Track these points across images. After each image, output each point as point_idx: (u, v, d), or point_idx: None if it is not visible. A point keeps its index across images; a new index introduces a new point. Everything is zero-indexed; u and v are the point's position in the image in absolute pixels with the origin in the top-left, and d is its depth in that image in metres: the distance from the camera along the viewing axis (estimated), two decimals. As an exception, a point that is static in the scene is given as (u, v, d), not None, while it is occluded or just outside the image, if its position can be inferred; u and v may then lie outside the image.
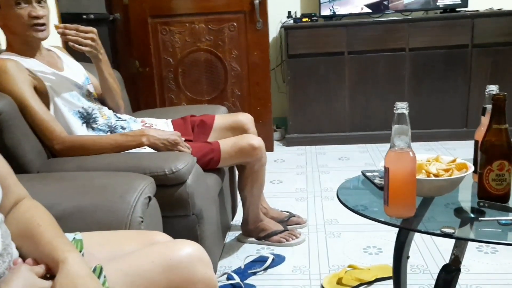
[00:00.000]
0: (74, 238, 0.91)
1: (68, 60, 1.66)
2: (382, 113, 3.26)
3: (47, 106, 1.46)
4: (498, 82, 3.30)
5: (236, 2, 3.04)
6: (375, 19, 3.28)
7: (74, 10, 2.64)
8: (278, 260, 1.83)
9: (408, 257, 1.31)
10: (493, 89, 1.08)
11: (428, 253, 1.80)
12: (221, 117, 1.93)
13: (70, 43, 1.49)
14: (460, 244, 1.05)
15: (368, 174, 1.26)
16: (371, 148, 3.22)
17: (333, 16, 3.32)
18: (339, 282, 1.63)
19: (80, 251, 0.88)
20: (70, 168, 1.32)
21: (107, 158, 1.36)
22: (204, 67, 3.23)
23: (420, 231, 0.96)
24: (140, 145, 1.45)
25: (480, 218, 0.96)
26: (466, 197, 1.15)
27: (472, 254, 1.77)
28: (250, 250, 1.92)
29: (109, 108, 1.72)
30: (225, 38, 3.15)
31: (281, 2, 3.48)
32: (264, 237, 1.96)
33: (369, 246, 1.89)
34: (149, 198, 1.12)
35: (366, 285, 1.63)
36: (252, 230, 1.97)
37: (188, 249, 0.81)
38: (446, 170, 1.07)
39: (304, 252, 1.89)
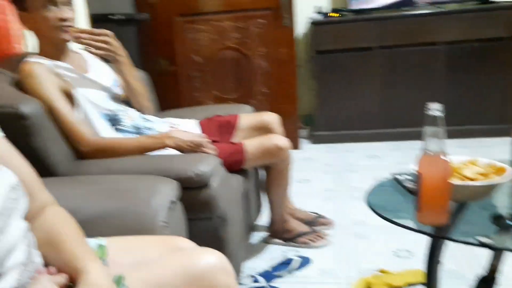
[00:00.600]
0: (98, 244, 0.90)
1: (96, 63, 1.67)
2: (414, 109, 3.13)
3: (74, 108, 1.47)
4: (536, 76, 3.13)
5: (262, -2, 3.01)
6: (406, 13, 3.18)
7: (103, 11, 2.66)
8: (304, 262, 1.79)
9: (440, 263, 1.25)
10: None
11: (463, 257, 1.73)
12: (246, 117, 1.91)
13: (85, 47, 1.49)
14: (498, 253, 0.99)
15: (399, 177, 1.21)
16: (403, 146, 3.12)
17: (362, 10, 3.24)
18: (368, 287, 1.58)
19: (104, 257, 0.87)
20: (96, 171, 1.32)
21: (133, 161, 1.36)
22: (230, 65, 3.21)
23: (455, 240, 0.91)
24: (165, 147, 1.44)
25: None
26: (504, 202, 1.09)
27: None
28: (276, 252, 1.90)
29: (136, 109, 1.72)
30: (251, 36, 3.12)
31: (309, -3, 3.42)
32: (290, 238, 1.93)
33: (400, 249, 1.83)
34: (173, 202, 1.10)
35: (396, 290, 1.58)
36: (278, 231, 1.94)
37: (210, 258, 0.79)
38: (483, 175, 1.02)
39: (331, 254, 1.85)
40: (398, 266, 1.71)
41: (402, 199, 1.12)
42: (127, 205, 1.05)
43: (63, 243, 0.75)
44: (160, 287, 0.74)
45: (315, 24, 3.16)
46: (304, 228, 1.96)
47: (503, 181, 0.98)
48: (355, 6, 3.22)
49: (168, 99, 3.18)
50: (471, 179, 1.01)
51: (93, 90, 1.54)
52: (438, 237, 0.93)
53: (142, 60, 3.09)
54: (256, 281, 1.66)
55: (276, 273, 1.72)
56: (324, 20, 3.17)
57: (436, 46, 3.06)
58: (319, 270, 1.74)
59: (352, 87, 3.22)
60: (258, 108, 3.13)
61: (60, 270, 0.76)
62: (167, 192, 1.10)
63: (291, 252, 1.88)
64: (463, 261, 1.70)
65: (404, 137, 3.19)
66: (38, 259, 0.75)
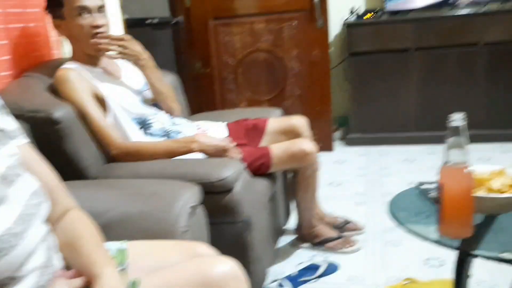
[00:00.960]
0: (119, 248, 0.93)
1: (127, 68, 1.71)
2: (452, 112, 3.05)
3: (106, 113, 1.52)
4: None
5: (297, 0, 3.00)
6: (444, 14, 3.08)
7: (139, 15, 2.74)
8: (332, 268, 1.78)
9: (469, 276, 1.21)
10: None
11: (497, 268, 1.66)
12: (275, 121, 1.91)
13: (105, 52, 1.55)
14: (525, 270, 0.94)
15: (424, 186, 1.18)
16: (439, 150, 3.02)
17: (399, 11, 3.16)
18: (395, 295, 1.55)
19: (124, 261, 0.90)
20: (124, 174, 1.36)
21: (159, 165, 1.39)
22: (263, 67, 3.22)
23: (475, 255, 0.88)
24: (191, 151, 1.47)
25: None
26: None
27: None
28: (304, 256, 1.89)
29: (165, 112, 1.76)
30: (284, 38, 3.12)
31: (344, -1, 3.38)
32: (318, 243, 1.92)
33: (431, 258, 1.78)
34: (195, 207, 1.12)
35: (424, 301, 1.54)
36: (306, 236, 1.93)
37: (223, 266, 0.81)
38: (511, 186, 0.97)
39: (359, 261, 1.82)
40: (428, 275, 1.66)
41: (425, 209, 1.09)
42: (149, 209, 1.08)
43: (82, 247, 0.78)
44: (173, 293, 0.76)
45: (349, 25, 3.11)
46: (332, 233, 1.94)
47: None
48: (391, 7, 3.15)
49: (203, 102, 3.25)
50: (498, 191, 0.97)
51: (125, 94, 1.58)
52: (459, 250, 0.90)
53: (177, 63, 3.15)
54: (281, 285, 1.66)
55: (302, 279, 1.71)
56: (359, 22, 3.13)
57: (476, 47, 2.95)
58: (346, 277, 1.72)
59: (387, 89, 3.16)
60: (291, 110, 3.14)
61: (79, 273, 0.79)
62: (188, 197, 1.12)
63: (318, 257, 1.87)
64: (495, 272, 1.63)
65: (441, 141, 3.06)
66: (57, 262, 0.78)
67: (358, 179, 2.69)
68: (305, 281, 1.71)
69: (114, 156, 1.45)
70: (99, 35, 1.51)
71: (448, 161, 0.90)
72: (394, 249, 1.88)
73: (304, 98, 3.22)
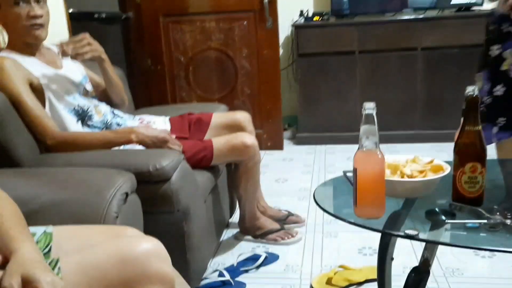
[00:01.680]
0: (44, 231, 0.94)
1: (67, 58, 1.70)
2: (394, 113, 3.21)
3: (43, 103, 1.51)
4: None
5: (246, 1, 3.06)
6: (388, 18, 3.23)
7: (85, 9, 2.70)
8: (272, 258, 1.83)
9: (392, 259, 1.29)
10: (472, 89, 1.04)
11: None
12: (219, 115, 1.95)
13: (72, 59, 1.55)
14: (430, 246, 1.03)
15: (349, 174, 1.25)
16: (383, 148, 3.16)
17: (345, 15, 3.29)
18: (328, 282, 1.62)
19: (49, 244, 0.91)
20: (59, 163, 1.36)
21: (94, 154, 1.40)
22: (214, 66, 3.26)
23: (382, 232, 0.95)
24: (129, 141, 1.48)
25: (447, 221, 0.95)
26: (447, 199, 1.13)
27: (469, 257, 1.73)
28: (246, 248, 1.93)
29: (114, 104, 1.77)
30: (235, 37, 3.17)
31: (293, 1, 3.47)
32: (260, 235, 1.97)
33: (365, 247, 1.87)
34: (126, 194, 1.14)
35: (355, 286, 1.62)
36: (249, 228, 1.98)
37: (145, 244, 0.83)
38: (421, 172, 1.06)
39: (298, 251, 1.89)
40: (361, 263, 1.75)
41: (349, 195, 1.16)
42: (80, 195, 1.09)
43: (0, 225, 0.79)
44: (93, 268, 0.78)
45: (297, 27, 3.21)
46: (274, 225, 2.00)
47: (436, 178, 1.02)
48: (338, 10, 3.28)
49: (154, 99, 3.25)
50: (410, 176, 1.05)
51: (63, 85, 1.58)
52: (368, 228, 0.97)
53: (127, 59, 3.14)
54: (221, 275, 1.70)
55: (242, 268, 1.76)
56: (307, 24, 3.23)
57: (415, 52, 3.11)
58: (284, 266, 1.79)
59: (333, 90, 3.27)
60: (242, 109, 3.18)
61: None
62: (120, 184, 1.13)
63: (260, 248, 1.92)
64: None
65: (384, 140, 3.22)
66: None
67: (304, 176, 2.77)
68: (244, 271, 1.75)
69: (50, 145, 1.45)
70: (36, 26, 1.49)
71: (361, 147, 0.97)
72: (332, 239, 1.97)
73: (254, 98, 3.28)
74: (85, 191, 1.11)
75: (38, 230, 0.94)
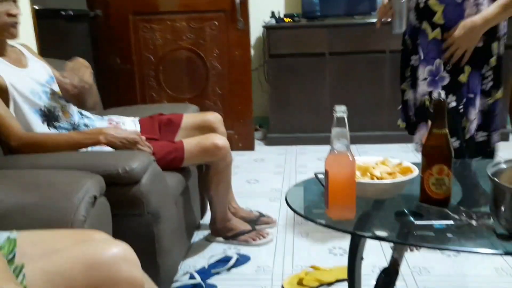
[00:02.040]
0: (8, 236, 0.91)
1: (32, 58, 1.66)
2: (363, 114, 3.26)
3: (7, 103, 1.46)
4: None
5: (218, 1, 3.04)
6: (357, 21, 3.29)
7: (51, 6, 2.63)
8: (243, 260, 1.83)
9: (362, 259, 1.31)
10: (439, 93, 1.07)
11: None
12: (190, 116, 1.94)
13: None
14: (399, 247, 1.05)
15: (320, 175, 1.26)
16: (352, 149, 3.21)
17: (316, 17, 3.33)
18: (299, 282, 1.63)
19: (13, 250, 0.88)
20: (24, 166, 1.32)
21: (61, 156, 1.36)
22: (185, 65, 3.23)
23: (352, 233, 0.97)
24: (97, 143, 1.45)
25: (415, 222, 0.97)
26: (415, 200, 1.16)
27: (436, 256, 1.78)
28: (217, 250, 1.93)
29: (87, 107, 1.73)
30: (206, 37, 3.15)
31: (264, 2, 3.48)
32: (231, 236, 1.97)
33: (335, 247, 1.90)
34: (95, 197, 1.12)
35: (326, 286, 1.64)
36: (220, 230, 1.98)
37: (114, 249, 0.82)
38: (390, 174, 1.08)
39: (270, 252, 1.90)
40: (332, 263, 1.77)
41: (320, 197, 1.17)
42: (46, 199, 1.06)
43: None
44: (59, 275, 0.76)
45: (268, 28, 3.22)
46: (246, 226, 2.00)
47: (405, 179, 1.04)
48: (309, 12, 3.31)
49: (123, 98, 3.18)
50: (379, 178, 1.07)
51: (28, 85, 1.53)
52: (337, 229, 0.98)
53: (95, 58, 3.06)
54: (192, 277, 1.68)
55: (213, 271, 1.75)
56: (278, 25, 3.24)
57: (384, 54, 3.18)
58: (256, 267, 1.79)
59: (304, 91, 3.30)
60: (213, 110, 3.17)
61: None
62: (89, 187, 1.11)
63: (231, 250, 1.92)
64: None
65: (354, 141, 3.28)
66: None
67: (275, 177, 2.78)
68: (216, 273, 1.74)
69: (14, 147, 1.40)
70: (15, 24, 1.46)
71: (333, 149, 0.98)
72: (303, 240, 1.98)
73: (225, 98, 3.27)
74: (52, 194, 1.07)
75: (1, 235, 0.91)
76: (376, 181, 1.05)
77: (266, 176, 2.79)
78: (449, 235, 0.93)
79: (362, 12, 3.33)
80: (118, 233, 1.21)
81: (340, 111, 0.97)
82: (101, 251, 0.80)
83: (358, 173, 1.09)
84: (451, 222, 0.94)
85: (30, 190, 1.09)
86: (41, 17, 2.36)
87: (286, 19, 3.27)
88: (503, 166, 1.01)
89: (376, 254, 1.80)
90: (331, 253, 1.86)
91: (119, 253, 0.81)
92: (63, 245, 0.88)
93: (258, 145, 3.45)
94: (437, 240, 0.91)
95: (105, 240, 0.92)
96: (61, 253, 0.80)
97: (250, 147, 3.33)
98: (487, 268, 1.68)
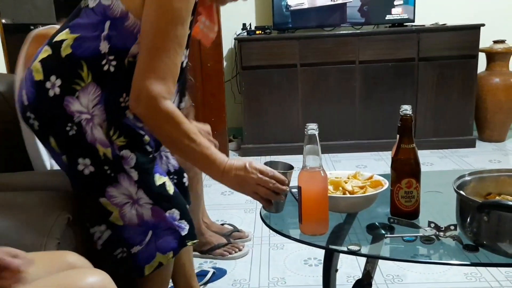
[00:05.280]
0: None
1: None
2: (335, 123, 3.32)
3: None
4: (443, 94, 3.43)
5: (189, 13, 3.05)
6: (327, 33, 3.36)
7: (20, 21, 2.59)
8: (219, 274, 1.83)
9: (336, 270, 1.33)
10: (406, 109, 1.10)
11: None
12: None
13: None
14: (371, 260, 1.08)
15: (293, 190, 1.28)
16: (325, 158, 3.27)
17: (287, 28, 3.38)
18: (276, 295, 1.64)
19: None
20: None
21: (35, 176, 1.34)
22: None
23: (327, 248, 0.99)
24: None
25: (386, 235, 1.00)
26: (386, 212, 1.19)
27: (408, 264, 1.82)
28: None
29: None
30: (178, 49, 3.14)
31: (236, 14, 3.51)
32: (207, 251, 1.97)
33: (310, 258, 1.92)
34: (69, 218, 1.10)
35: (302, 298, 1.65)
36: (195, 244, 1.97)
37: (93, 278, 0.81)
38: (361, 187, 1.11)
39: (246, 265, 1.91)
40: (307, 273, 1.79)
41: (294, 210, 1.19)
42: (18, 221, 1.04)
43: None
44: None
45: (240, 40, 3.25)
46: (221, 240, 2.00)
47: (375, 193, 1.07)
48: (280, 24, 3.36)
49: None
50: (351, 192, 1.10)
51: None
52: (313, 245, 1.00)
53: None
54: (168, 294, 1.67)
55: (190, 286, 1.74)
56: (249, 37, 3.27)
57: (353, 65, 3.25)
58: (232, 281, 1.79)
59: (276, 102, 3.34)
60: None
61: None
62: (62, 208, 1.09)
63: (207, 264, 1.92)
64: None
65: (327, 150, 3.34)
66: None
67: (249, 188, 2.79)
68: (192, 288, 1.74)
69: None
70: None
71: (305, 166, 1.00)
72: (279, 252, 2.00)
73: (199, 110, 3.27)
74: (24, 216, 1.06)
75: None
76: (347, 195, 1.08)
77: (241, 188, 2.80)
78: (418, 247, 0.96)
79: (332, 24, 3.41)
80: (93, 255, 1.20)
81: (311, 128, 1.00)
82: (80, 280, 0.79)
83: (330, 188, 1.11)
84: (420, 234, 0.97)
85: (1, 213, 1.07)
86: (9, 32, 2.33)
87: (258, 31, 3.31)
88: (468, 178, 1.05)
89: (350, 264, 1.83)
90: (306, 264, 1.88)
91: (99, 283, 0.80)
92: (38, 270, 0.86)
93: (232, 156, 3.46)
94: (407, 253, 0.94)
95: (83, 268, 0.91)
96: (38, 283, 0.79)
97: (224, 158, 3.33)
98: (457, 275, 1.73)
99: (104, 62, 1.04)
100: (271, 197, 1.05)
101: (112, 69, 1.05)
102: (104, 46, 1.04)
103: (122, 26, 1.03)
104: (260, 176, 1.04)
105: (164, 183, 1.13)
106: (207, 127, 1.70)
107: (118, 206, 1.09)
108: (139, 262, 1.12)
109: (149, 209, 1.10)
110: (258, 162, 1.07)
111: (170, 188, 1.14)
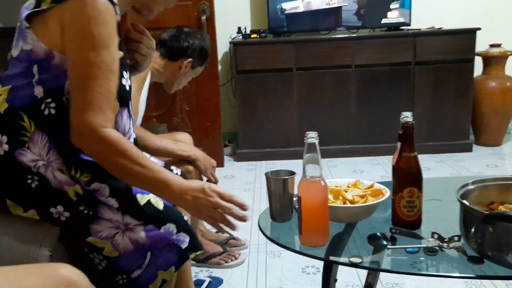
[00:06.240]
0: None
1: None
2: (331, 128, 3.30)
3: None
4: (439, 98, 3.41)
5: (183, 18, 3.02)
6: (323, 36, 3.34)
7: (13, 24, 2.54)
8: (216, 283, 1.80)
9: (336, 280, 1.31)
10: (407, 116, 1.08)
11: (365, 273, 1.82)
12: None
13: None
14: (373, 271, 1.05)
15: (295, 199, 1.25)
16: (321, 163, 3.24)
17: (282, 32, 3.36)
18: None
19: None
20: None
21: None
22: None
23: (327, 260, 0.96)
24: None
25: (388, 246, 0.97)
26: (387, 222, 1.17)
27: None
28: (188, 273, 1.88)
29: None
30: (173, 54, 3.11)
31: (231, 18, 3.49)
32: (203, 259, 1.93)
33: (308, 266, 1.89)
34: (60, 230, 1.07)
35: (300, 307, 1.62)
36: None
37: None
38: (362, 197, 1.08)
39: (242, 273, 1.87)
40: (305, 282, 1.76)
41: (293, 221, 1.16)
42: (9, 233, 1.01)
43: None
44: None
45: (235, 44, 3.22)
46: (217, 248, 1.97)
47: (376, 202, 1.05)
48: (275, 28, 3.34)
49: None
50: (351, 202, 1.07)
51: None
52: (314, 257, 0.98)
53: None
54: (163, 304, 1.63)
55: (185, 295, 1.71)
56: (245, 41, 3.25)
57: (349, 69, 3.23)
58: (229, 290, 1.76)
59: (272, 106, 3.31)
60: (181, 127, 3.14)
61: None
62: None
63: (203, 273, 1.88)
64: (362, 275, 1.79)
65: (322, 155, 3.31)
66: None
67: (245, 194, 2.77)
68: (188, 298, 1.70)
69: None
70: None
71: (305, 175, 0.97)
72: (275, 260, 1.96)
73: (193, 115, 3.24)
74: (14, 229, 1.02)
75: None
76: (348, 205, 1.05)
77: (236, 194, 2.72)
78: (421, 258, 0.94)
79: (328, 27, 3.39)
80: (86, 265, 1.17)
81: (311, 137, 0.97)
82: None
83: (330, 197, 1.09)
84: (423, 245, 0.95)
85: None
86: (3, 36, 2.28)
87: (253, 35, 3.28)
88: (471, 187, 1.03)
89: (348, 273, 1.80)
90: (304, 272, 1.85)
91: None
92: (30, 283, 0.83)
93: (228, 161, 3.43)
94: (410, 265, 0.92)
95: (78, 284, 0.87)
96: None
97: (219, 163, 3.29)
98: (457, 283, 1.71)
99: (43, 106, 1.01)
100: (226, 224, 1.03)
101: (53, 111, 1.01)
102: (38, 91, 1.01)
103: (50, 66, 1.00)
104: (218, 200, 1.01)
105: (149, 201, 1.08)
106: (212, 162, 1.80)
107: (108, 239, 1.04)
108: (142, 284, 1.08)
109: (142, 231, 1.05)
110: (218, 186, 1.04)
111: (158, 204, 1.10)
